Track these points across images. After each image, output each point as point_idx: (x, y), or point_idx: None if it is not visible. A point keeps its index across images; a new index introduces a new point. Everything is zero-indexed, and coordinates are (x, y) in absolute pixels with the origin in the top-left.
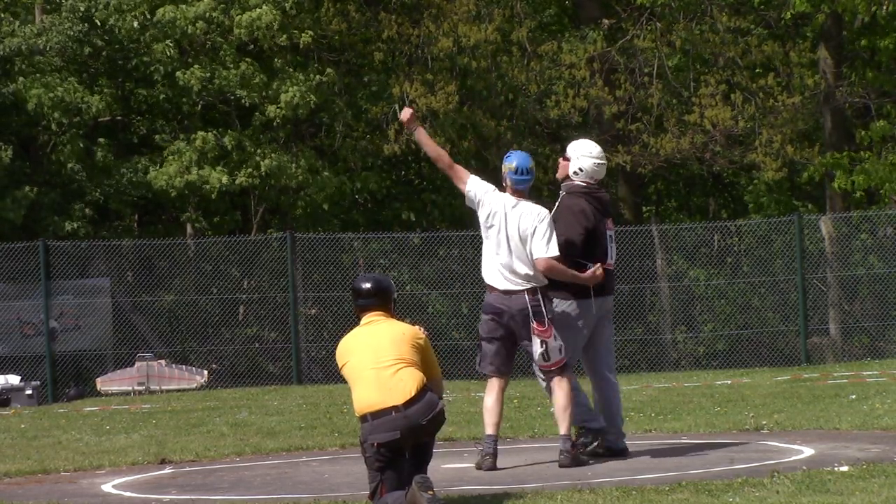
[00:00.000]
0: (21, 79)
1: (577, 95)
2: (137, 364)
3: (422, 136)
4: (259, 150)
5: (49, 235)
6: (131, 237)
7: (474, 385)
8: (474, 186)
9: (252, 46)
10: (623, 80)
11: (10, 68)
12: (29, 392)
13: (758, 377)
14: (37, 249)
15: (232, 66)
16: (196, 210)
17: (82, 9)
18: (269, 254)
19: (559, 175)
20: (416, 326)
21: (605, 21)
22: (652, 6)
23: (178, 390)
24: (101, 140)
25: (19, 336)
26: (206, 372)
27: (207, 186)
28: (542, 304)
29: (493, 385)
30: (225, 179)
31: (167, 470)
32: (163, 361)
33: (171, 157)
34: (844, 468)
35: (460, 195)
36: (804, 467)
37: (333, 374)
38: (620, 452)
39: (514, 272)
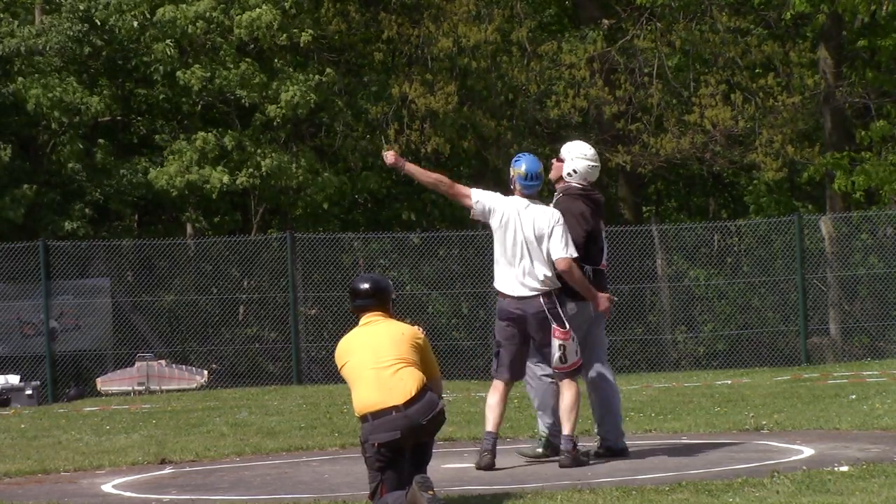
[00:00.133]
0: (20, 79)
1: (577, 95)
2: (137, 364)
3: (412, 169)
4: (259, 150)
5: (49, 235)
6: (131, 237)
7: (474, 385)
8: (480, 197)
9: (252, 46)
10: (623, 80)
11: (9, 68)
12: (29, 392)
13: (758, 377)
14: (37, 249)
15: (232, 65)
16: (196, 210)
17: (82, 9)
18: (269, 254)
19: (552, 176)
20: (415, 326)
21: (605, 21)
22: (652, 6)
23: (178, 390)
24: (100, 141)
25: (19, 336)
26: (206, 372)
27: (208, 186)
28: (558, 307)
29: (499, 385)
30: (226, 179)
31: (167, 470)
32: (163, 361)
33: (171, 157)
34: (844, 468)
35: None
36: (804, 467)
37: (333, 374)
38: (621, 452)
39: (532, 275)
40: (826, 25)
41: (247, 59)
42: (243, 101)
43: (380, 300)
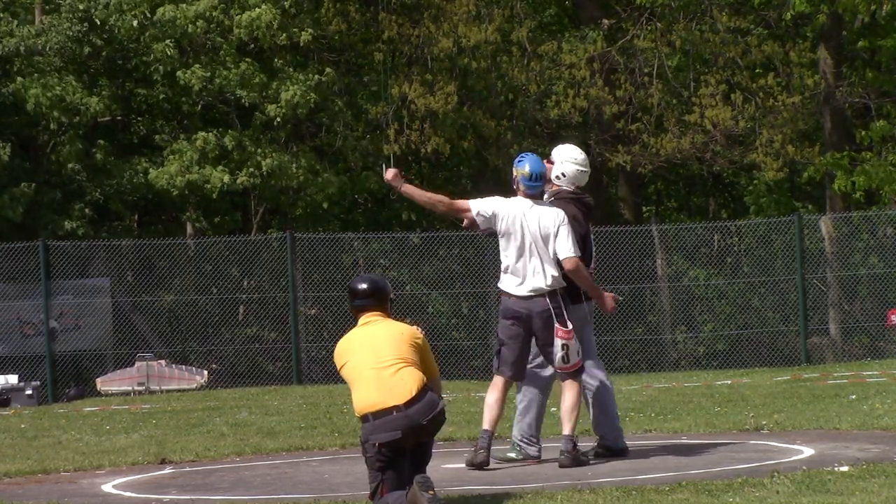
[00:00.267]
0: (19, 79)
1: (577, 95)
2: (137, 364)
3: (410, 190)
4: (259, 150)
5: (48, 235)
6: (131, 237)
7: (474, 385)
8: (481, 208)
9: (252, 46)
10: (623, 80)
11: (9, 68)
12: (29, 392)
13: (758, 377)
14: (37, 249)
15: (232, 65)
16: (196, 210)
17: (81, 8)
18: (269, 254)
19: None
20: (414, 326)
21: (605, 21)
22: (652, 6)
23: (178, 390)
24: (100, 141)
25: (19, 336)
26: (206, 372)
27: (209, 186)
28: (563, 307)
29: (498, 383)
30: (226, 179)
31: (167, 470)
32: (163, 361)
33: (172, 157)
34: (844, 468)
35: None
36: (804, 467)
37: (333, 374)
38: (620, 452)
39: (540, 275)
40: (826, 25)
41: (247, 59)
42: (243, 100)
43: (378, 300)
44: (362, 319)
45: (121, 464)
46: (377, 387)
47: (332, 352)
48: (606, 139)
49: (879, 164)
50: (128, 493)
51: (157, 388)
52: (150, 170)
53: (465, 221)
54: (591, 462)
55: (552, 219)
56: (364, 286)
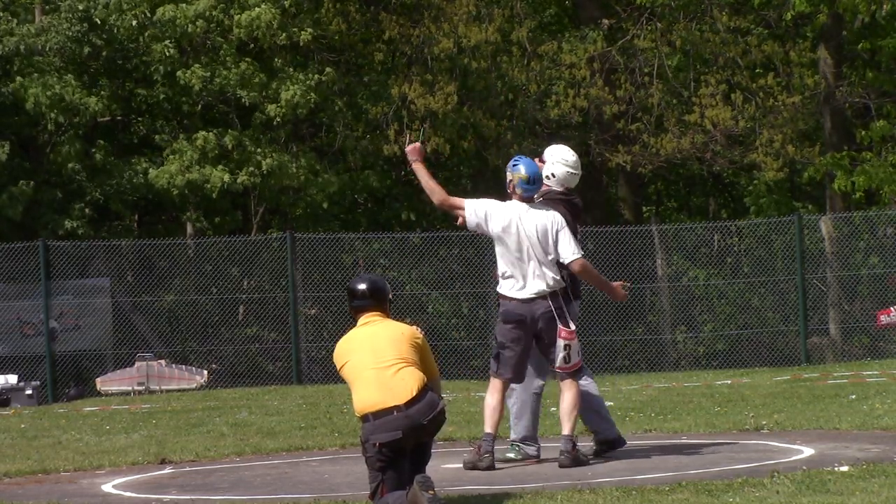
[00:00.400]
0: (19, 78)
1: (577, 95)
2: (137, 364)
3: (419, 169)
4: (259, 150)
5: (48, 234)
6: (131, 237)
7: (474, 385)
8: (476, 208)
9: (252, 46)
10: (623, 80)
11: (9, 68)
12: (29, 392)
13: (758, 377)
14: (37, 249)
15: (232, 65)
16: (196, 210)
17: (81, 9)
18: (269, 254)
19: None
20: (413, 326)
21: (605, 21)
22: (652, 6)
23: (178, 390)
24: (100, 141)
25: (19, 336)
26: (206, 372)
27: (209, 185)
28: (564, 307)
29: (497, 385)
30: (227, 178)
31: (167, 470)
32: (163, 361)
33: (172, 157)
34: (844, 468)
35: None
36: (804, 467)
37: (333, 375)
38: (616, 442)
39: (540, 277)
40: (826, 25)
41: (247, 59)
42: (243, 100)
43: (377, 300)
44: (362, 320)
45: (121, 464)
46: (378, 387)
47: (332, 352)
48: (606, 139)
49: (879, 164)
50: (128, 493)
51: (157, 388)
52: (150, 169)
53: (460, 219)
54: (591, 462)
55: (550, 222)
56: (363, 286)
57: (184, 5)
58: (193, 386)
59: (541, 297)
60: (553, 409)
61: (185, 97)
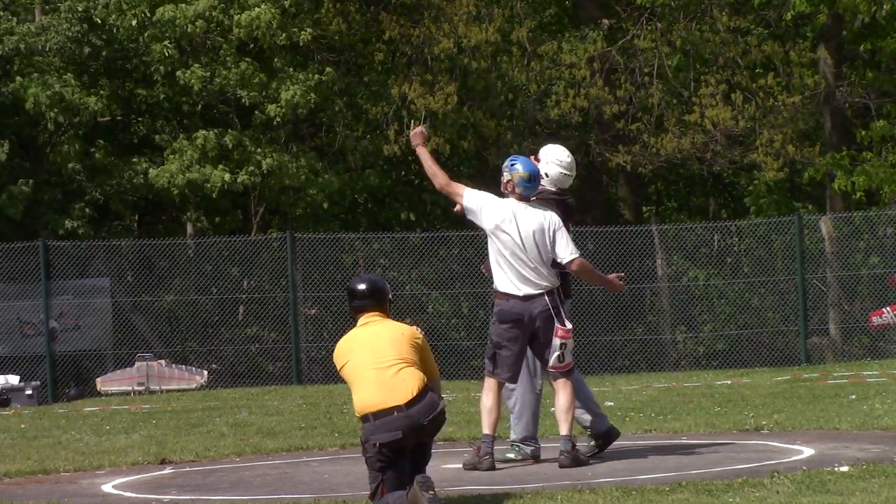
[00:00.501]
0: (19, 78)
1: (577, 95)
2: (137, 364)
3: (422, 153)
4: (259, 150)
5: (48, 234)
6: (131, 237)
7: (474, 385)
8: (474, 197)
9: (252, 46)
10: (623, 80)
11: (9, 68)
12: (29, 392)
13: (758, 377)
14: (37, 249)
15: (232, 65)
16: (197, 210)
17: (80, 9)
18: (269, 254)
19: None
20: (413, 326)
21: (605, 21)
22: (652, 6)
23: (178, 390)
24: (100, 141)
25: (19, 336)
26: (206, 372)
27: (209, 185)
28: (560, 306)
29: (493, 385)
30: (227, 178)
31: (167, 470)
32: (163, 361)
33: (172, 156)
34: (844, 468)
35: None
36: (804, 467)
37: (333, 375)
38: (609, 433)
39: (538, 275)
40: (826, 25)
41: (247, 59)
42: (243, 100)
43: (377, 300)
44: (362, 320)
45: (121, 464)
46: (378, 387)
47: (332, 352)
48: (606, 139)
49: (879, 164)
50: (128, 493)
51: (157, 388)
52: (150, 169)
53: (458, 206)
54: (591, 462)
55: (546, 221)
56: (363, 286)
57: (183, 5)
58: (193, 386)
59: (539, 295)
60: (553, 409)
61: (184, 97)
